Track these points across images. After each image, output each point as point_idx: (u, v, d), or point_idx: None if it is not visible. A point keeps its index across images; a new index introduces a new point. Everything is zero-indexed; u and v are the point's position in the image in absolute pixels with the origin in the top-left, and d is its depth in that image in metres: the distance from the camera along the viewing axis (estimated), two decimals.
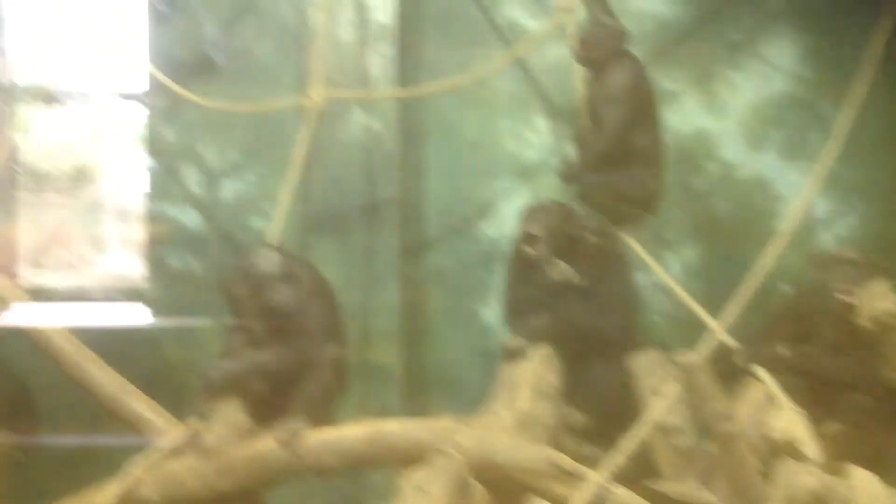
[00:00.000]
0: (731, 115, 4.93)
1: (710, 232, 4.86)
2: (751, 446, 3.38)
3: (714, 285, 4.60)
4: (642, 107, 4.27)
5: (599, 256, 4.05)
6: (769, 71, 4.94)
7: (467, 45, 4.94)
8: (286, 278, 3.73)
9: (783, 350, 3.64)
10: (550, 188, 4.88)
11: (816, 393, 3.57)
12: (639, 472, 3.65)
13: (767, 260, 3.71)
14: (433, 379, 4.81)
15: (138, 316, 4.85)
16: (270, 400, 3.72)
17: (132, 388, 3.89)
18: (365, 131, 4.80)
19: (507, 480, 3.48)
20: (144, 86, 4.91)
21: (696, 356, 3.49)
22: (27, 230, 5.02)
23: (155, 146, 4.90)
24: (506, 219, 4.87)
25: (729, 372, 3.75)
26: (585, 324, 3.94)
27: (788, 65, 4.93)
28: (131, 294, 4.95)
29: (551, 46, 4.91)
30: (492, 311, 4.75)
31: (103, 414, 3.95)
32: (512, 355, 3.89)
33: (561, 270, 3.93)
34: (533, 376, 3.84)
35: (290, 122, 4.60)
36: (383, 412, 4.01)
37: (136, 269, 5.01)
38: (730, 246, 4.77)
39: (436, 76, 4.80)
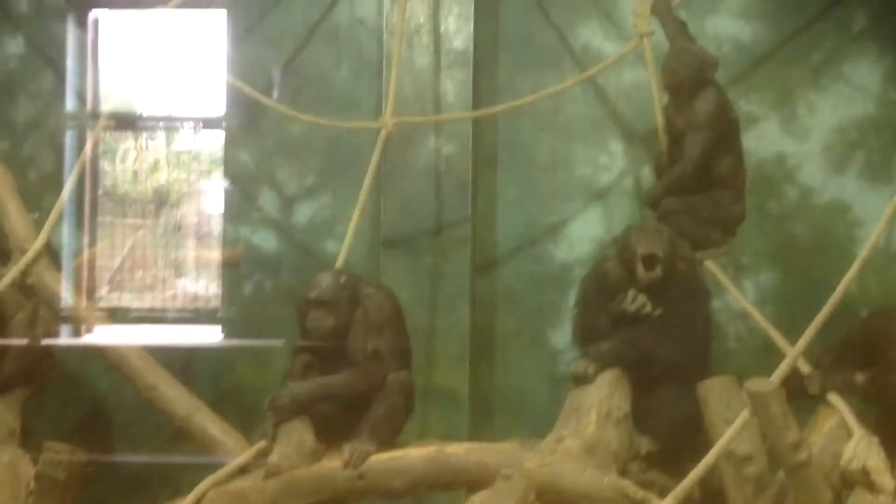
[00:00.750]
0: (811, 139, 4.85)
1: (788, 257, 4.77)
2: (823, 476, 3.29)
3: (790, 311, 4.52)
4: (725, 133, 4.25)
5: (683, 283, 3.99)
6: (852, 92, 4.84)
7: (542, 69, 4.96)
8: (324, 304, 3.75)
9: (858, 377, 3.52)
10: (622, 212, 4.88)
11: (892, 421, 3.44)
12: (708, 502, 3.58)
13: (844, 286, 3.58)
14: (501, 402, 4.81)
15: (212, 336, 4.98)
16: (339, 421, 3.77)
17: (204, 407, 3.98)
18: (438, 155, 4.85)
19: None
20: (222, 110, 5.06)
21: (770, 383, 3.40)
22: (107, 252, 5.21)
23: (232, 170, 5.03)
24: (576, 242, 4.87)
25: (803, 399, 3.64)
26: (658, 350, 3.87)
27: (872, 86, 4.82)
28: (207, 315, 5.09)
29: (626, 70, 4.90)
30: (561, 335, 4.74)
31: (174, 433, 4.06)
32: (580, 380, 3.85)
33: (637, 300, 3.88)
34: (602, 401, 3.80)
35: (366, 146, 4.68)
36: (450, 435, 4.00)
37: (212, 291, 5.15)
38: (807, 271, 4.67)
39: (511, 101, 4.82)
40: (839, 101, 4.84)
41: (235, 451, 3.80)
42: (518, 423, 4.67)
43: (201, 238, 5.31)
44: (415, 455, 3.64)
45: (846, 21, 4.84)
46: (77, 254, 5.05)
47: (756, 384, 3.38)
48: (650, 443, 3.86)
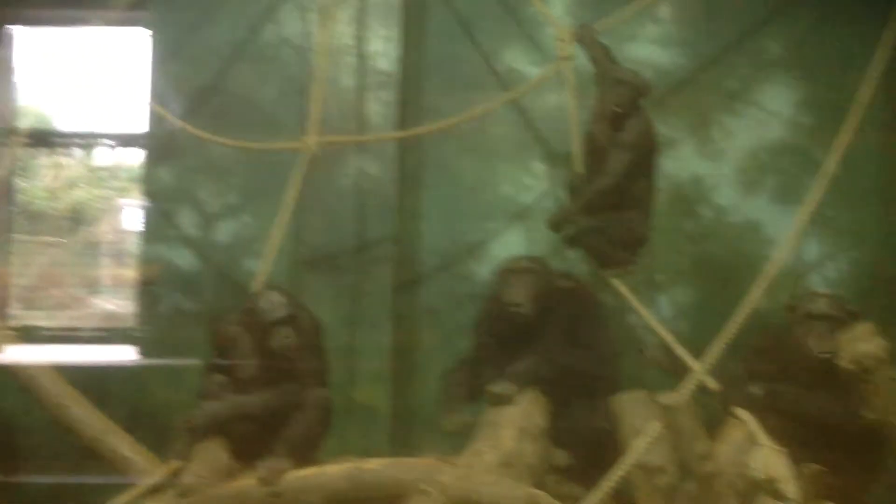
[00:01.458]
0: (726, 161, 4.98)
1: (703, 274, 4.88)
2: (730, 485, 3.35)
3: (705, 327, 4.56)
4: (647, 156, 4.35)
5: (575, 302, 4.07)
6: (764, 117, 4.99)
7: (467, 91, 5.02)
8: (291, 322, 3.75)
9: (758, 390, 3.61)
10: (544, 231, 4.92)
11: (796, 433, 3.53)
12: None
13: (750, 302, 3.69)
14: (422, 419, 4.80)
15: (127, 356, 4.90)
16: (255, 440, 3.75)
17: (115, 427, 3.93)
18: (362, 175, 4.88)
19: None
20: (143, 128, 5.01)
21: (679, 397, 3.47)
22: (21, 270, 5.11)
23: (151, 187, 4.99)
24: (498, 260, 4.86)
25: (712, 412, 3.72)
26: (570, 364, 3.95)
27: (784, 112, 4.97)
28: (123, 334, 5.01)
29: (550, 93, 4.99)
30: None
31: (86, 453, 3.98)
32: (501, 401, 3.88)
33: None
34: (519, 417, 3.85)
35: (289, 165, 4.66)
36: (371, 452, 3.99)
37: (128, 310, 5.08)
38: (721, 288, 4.77)
39: (436, 122, 4.86)
40: (752, 126, 4.97)
41: (148, 470, 3.76)
42: (439, 439, 4.67)
43: (117, 256, 5.25)
44: (331, 472, 3.63)
45: (759, 50, 5.00)
46: None
47: (667, 398, 3.45)
48: (566, 456, 3.91)
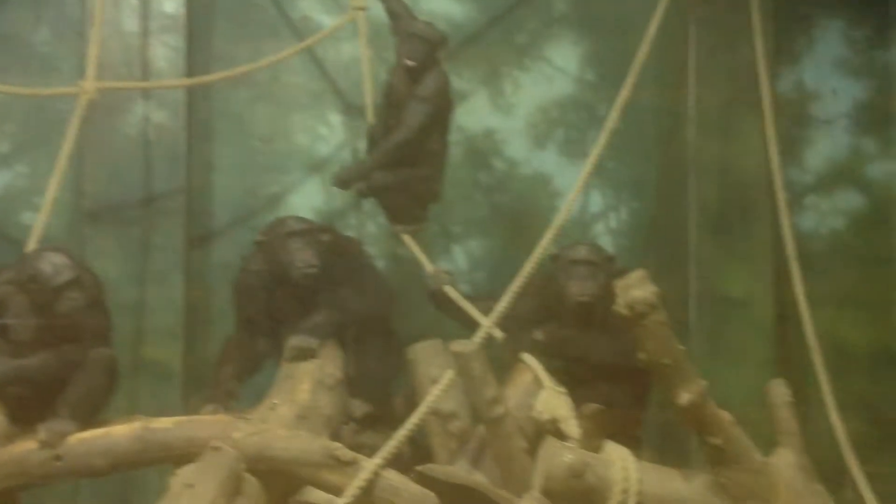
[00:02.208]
0: (516, 115, 5.10)
1: (496, 225, 5.02)
2: (519, 428, 3.51)
3: (499, 276, 4.72)
4: (442, 112, 4.38)
5: (339, 252, 4.09)
6: (552, 73, 5.15)
7: (260, 39, 4.90)
8: (76, 284, 3.57)
9: (540, 336, 3.79)
10: None
11: (578, 375, 3.74)
12: (417, 458, 3.73)
13: (539, 252, 3.84)
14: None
15: None
16: (36, 403, 3.57)
17: None
18: (148, 123, 4.68)
19: (282, 473, 3.47)
20: None
21: (472, 344, 3.58)
22: None
23: None
24: (295, 213, 4.77)
25: (503, 358, 3.87)
26: (360, 310, 4.00)
27: (570, 68, 5.14)
28: None
29: (345, 43, 4.94)
30: None
31: None
32: (304, 356, 3.86)
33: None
34: (315, 369, 3.85)
35: (68, 113, 4.39)
36: (163, 411, 3.89)
37: None
38: (514, 239, 4.93)
39: (226, 69, 4.71)
40: (541, 81, 5.11)
41: None
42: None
43: None
44: (118, 433, 3.51)
45: (547, 6, 5.12)
46: None
47: (459, 345, 3.55)
48: (363, 406, 3.97)
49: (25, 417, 3.53)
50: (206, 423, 3.60)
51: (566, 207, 3.99)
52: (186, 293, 4.65)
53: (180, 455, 3.48)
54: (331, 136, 5.00)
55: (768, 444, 3.44)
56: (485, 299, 3.95)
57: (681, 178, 4.85)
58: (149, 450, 3.50)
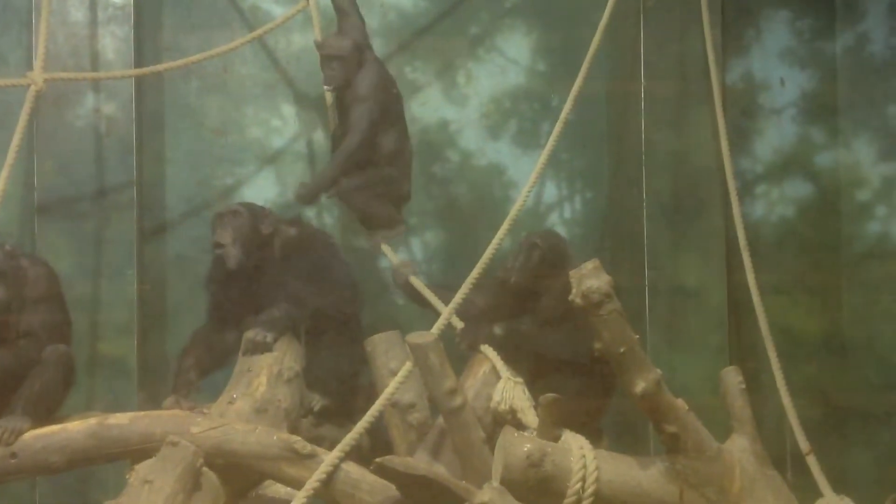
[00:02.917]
0: (470, 106, 5.11)
1: (452, 217, 5.03)
2: (478, 419, 3.54)
3: (454, 267, 4.78)
4: (389, 107, 4.39)
5: (304, 246, 4.10)
6: (505, 64, 5.17)
7: (210, 29, 4.87)
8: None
9: (499, 329, 3.82)
10: (295, 175, 4.91)
11: (535, 365, 3.78)
12: (377, 450, 3.74)
13: (495, 243, 3.86)
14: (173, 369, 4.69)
15: None
16: None
17: None
18: (98, 115, 4.62)
19: (241, 466, 3.47)
20: None
21: (429, 335, 3.60)
22: None
23: None
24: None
25: (461, 349, 3.90)
26: (318, 308, 3.99)
27: (522, 59, 5.16)
28: None
29: (296, 34, 4.92)
30: None
31: None
32: (259, 349, 3.84)
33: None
34: (273, 362, 3.84)
35: (16, 105, 4.31)
36: (119, 407, 3.86)
37: None
38: (469, 230, 4.95)
39: (176, 60, 4.66)
40: (494, 72, 5.13)
41: None
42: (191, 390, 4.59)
43: None
44: (74, 429, 3.48)
45: None
46: None
47: (417, 336, 3.56)
48: (321, 399, 3.96)
49: None
50: (163, 418, 3.58)
51: (522, 198, 4.00)
52: (140, 287, 4.60)
53: (137, 450, 3.47)
54: (284, 127, 4.98)
55: (723, 430, 3.50)
56: (449, 289, 3.97)
57: (634, 168, 4.90)
58: (105, 446, 3.48)
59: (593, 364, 3.46)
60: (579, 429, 3.33)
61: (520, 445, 3.12)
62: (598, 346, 3.20)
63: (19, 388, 3.53)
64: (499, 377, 3.67)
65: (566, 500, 3.14)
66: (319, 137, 4.94)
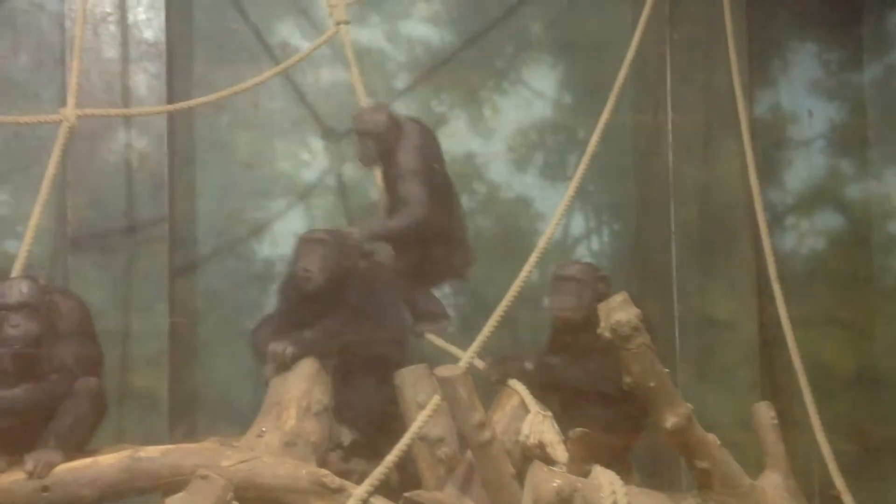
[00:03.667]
0: (496, 139, 5.14)
1: (478, 249, 5.01)
2: (507, 452, 3.52)
3: (481, 301, 4.78)
4: (434, 177, 4.29)
5: (369, 280, 4.10)
6: (531, 96, 5.20)
7: (239, 65, 4.93)
8: (25, 309, 3.53)
9: (529, 365, 3.80)
10: (324, 208, 4.95)
11: (566, 399, 3.76)
12: (405, 485, 3.73)
13: (523, 276, 3.86)
14: (204, 402, 4.72)
15: None
16: (22, 434, 3.54)
17: None
18: (130, 150, 4.69)
19: (271, 500, 3.48)
20: None
21: (457, 369, 3.59)
22: None
23: None
24: (279, 238, 4.87)
25: (488, 383, 3.88)
26: (352, 343, 3.97)
27: (548, 91, 5.18)
28: None
29: (324, 69, 4.98)
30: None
31: None
32: (277, 360, 3.82)
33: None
34: (301, 395, 3.84)
35: (49, 140, 4.39)
36: (150, 439, 3.87)
37: None
38: (496, 262, 4.94)
39: (207, 96, 4.73)
40: (520, 104, 5.16)
41: None
42: (222, 422, 4.60)
43: None
44: (105, 462, 3.49)
45: (523, 30, 5.18)
46: None
47: (445, 370, 3.56)
48: (350, 433, 3.96)
49: (11, 448, 3.51)
50: (194, 451, 3.59)
51: (550, 230, 4.00)
52: (172, 321, 4.63)
53: (168, 483, 3.47)
54: (313, 161, 5.02)
55: (755, 466, 3.46)
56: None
57: (661, 200, 4.90)
58: (136, 479, 3.49)
59: (623, 398, 3.43)
60: (609, 464, 3.31)
61: (549, 481, 3.10)
62: (627, 380, 3.18)
63: (51, 421, 3.55)
64: (527, 411, 3.65)
65: None
66: (348, 170, 4.98)
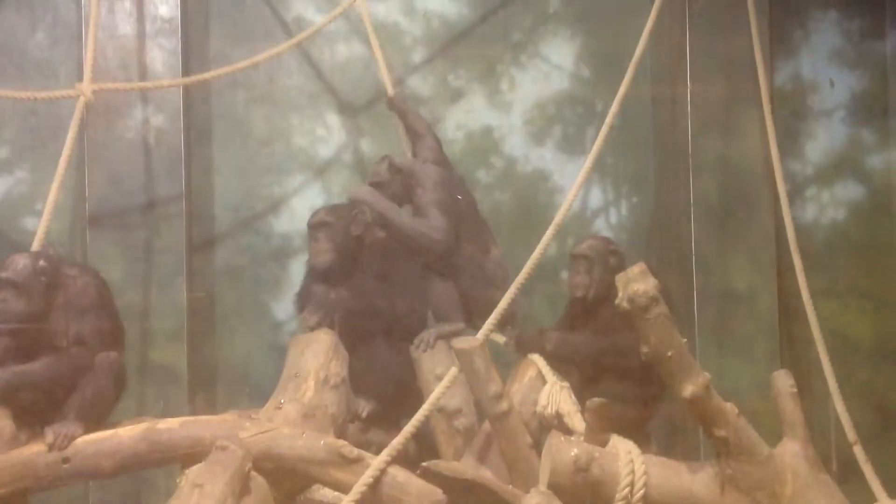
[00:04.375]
0: (514, 112, 5.11)
1: (496, 222, 4.99)
2: (524, 423, 3.52)
3: None
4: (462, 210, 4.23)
5: (387, 250, 4.10)
6: (548, 69, 5.16)
7: (255, 41, 4.91)
8: (13, 285, 3.54)
9: (549, 344, 3.78)
10: (341, 183, 4.95)
11: (583, 370, 3.75)
12: (423, 455, 3.74)
13: (541, 249, 3.84)
14: (224, 376, 4.75)
15: None
16: (43, 407, 3.57)
17: None
18: (147, 126, 4.69)
19: (289, 471, 3.49)
20: None
21: (474, 340, 3.59)
22: None
23: None
24: (296, 213, 4.87)
25: (505, 354, 3.89)
26: (372, 309, 4.01)
27: (566, 64, 5.14)
28: None
29: (340, 44, 4.97)
30: (283, 306, 4.75)
31: None
32: (306, 326, 3.88)
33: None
34: (319, 367, 3.85)
35: (66, 117, 4.39)
36: (170, 412, 3.90)
37: None
38: (514, 235, 4.94)
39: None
40: (538, 78, 5.12)
41: None
42: (241, 395, 4.64)
43: None
44: (124, 434, 3.52)
45: (540, 2, 5.12)
46: None
47: (462, 342, 3.56)
48: (368, 404, 3.97)
49: (33, 421, 3.55)
50: (212, 423, 3.61)
51: (567, 203, 3.97)
52: (190, 295, 4.65)
53: (187, 455, 3.50)
54: (329, 136, 5.01)
55: (774, 435, 3.44)
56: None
57: (680, 172, 4.86)
58: (156, 450, 3.52)
59: (641, 370, 3.42)
60: (627, 433, 3.30)
61: (567, 450, 3.11)
62: (645, 349, 3.17)
63: (72, 394, 3.58)
64: (545, 382, 3.65)
65: None
66: (364, 145, 4.97)
